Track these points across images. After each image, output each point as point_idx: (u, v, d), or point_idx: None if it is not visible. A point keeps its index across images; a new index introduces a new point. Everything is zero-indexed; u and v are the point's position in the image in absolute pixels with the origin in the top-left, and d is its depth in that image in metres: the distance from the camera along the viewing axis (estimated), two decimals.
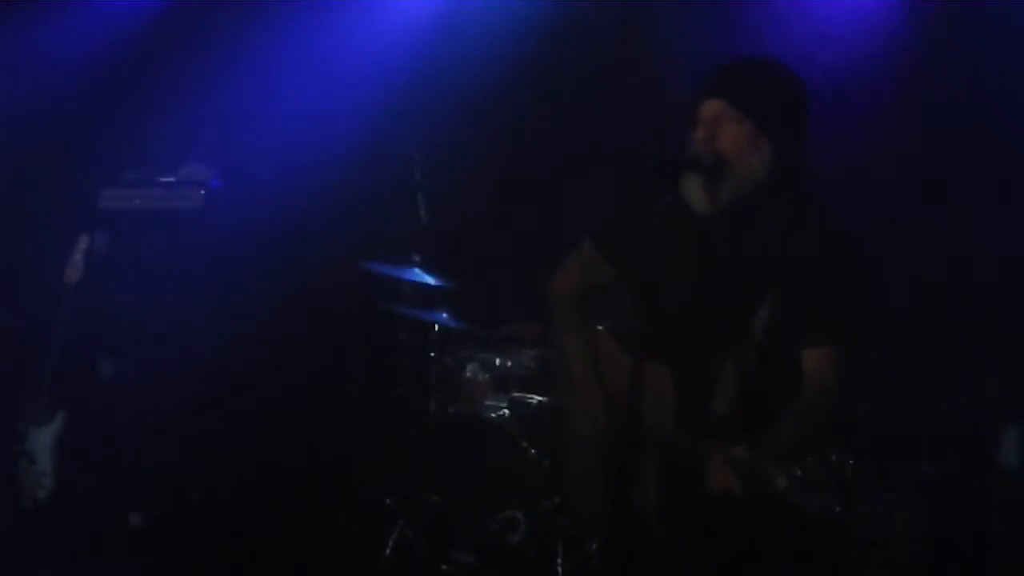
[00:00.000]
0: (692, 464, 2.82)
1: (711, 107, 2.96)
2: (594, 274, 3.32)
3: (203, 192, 5.68)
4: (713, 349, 2.99)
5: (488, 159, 6.10)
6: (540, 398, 5.09)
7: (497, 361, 5.25)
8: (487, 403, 5.16)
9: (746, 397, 2.92)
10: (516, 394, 5.13)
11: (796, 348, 2.90)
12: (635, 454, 2.84)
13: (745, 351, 2.92)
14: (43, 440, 5.08)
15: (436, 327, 5.40)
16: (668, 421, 2.97)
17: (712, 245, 3.02)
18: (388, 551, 4.97)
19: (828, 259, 2.92)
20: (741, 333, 2.93)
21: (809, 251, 2.92)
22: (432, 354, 5.41)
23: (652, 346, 3.01)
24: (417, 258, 5.48)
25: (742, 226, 2.97)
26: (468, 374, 5.36)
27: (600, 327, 3.42)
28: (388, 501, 5.20)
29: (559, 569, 4.68)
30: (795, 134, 3.01)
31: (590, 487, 3.24)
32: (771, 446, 2.57)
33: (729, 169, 2.93)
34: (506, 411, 5.03)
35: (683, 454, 2.87)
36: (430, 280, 5.43)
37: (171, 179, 5.77)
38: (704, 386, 2.98)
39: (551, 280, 3.46)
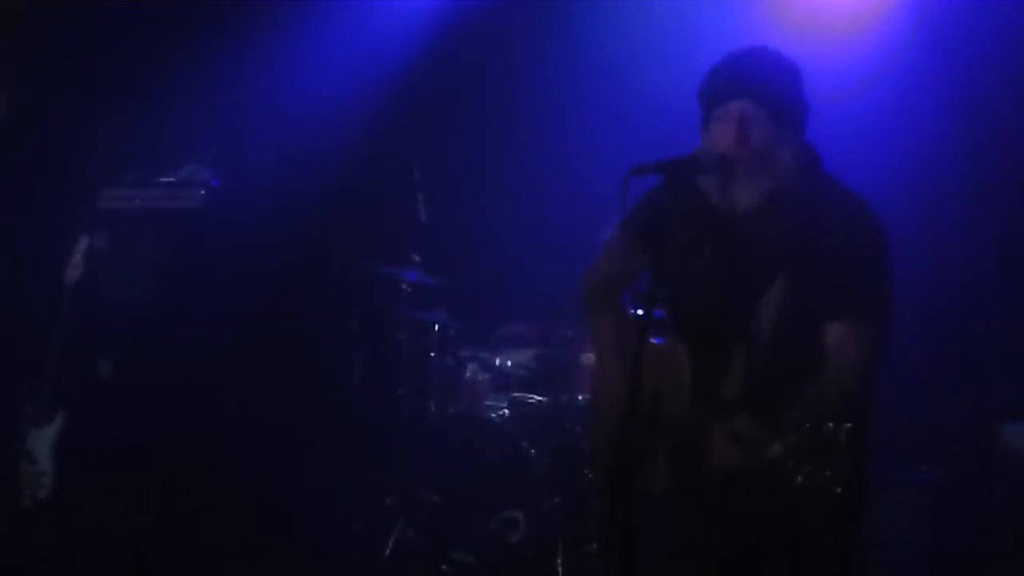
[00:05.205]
0: (701, 445, 2.83)
1: (736, 107, 2.96)
2: (626, 260, 3.31)
3: (203, 192, 5.67)
4: (729, 331, 2.99)
5: (488, 158, 6.10)
6: (540, 398, 5.09)
7: (497, 361, 5.26)
8: (487, 403, 5.16)
9: (755, 378, 2.92)
10: (516, 394, 5.14)
11: (812, 326, 2.90)
12: (646, 437, 2.86)
13: (756, 332, 2.93)
14: (43, 440, 5.08)
15: (436, 327, 5.40)
16: (683, 403, 2.98)
17: (734, 241, 3.02)
18: (388, 551, 4.97)
19: (847, 233, 2.92)
20: (753, 315, 2.94)
21: (828, 227, 2.92)
22: (432, 354, 5.41)
23: (667, 329, 3.03)
24: (417, 258, 5.48)
25: (764, 220, 2.98)
26: (468, 374, 5.36)
27: (631, 313, 3.44)
28: (388, 501, 5.20)
29: (559, 569, 4.69)
30: (807, 120, 3.04)
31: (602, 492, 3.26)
32: (787, 422, 2.57)
33: (758, 169, 2.94)
34: (506, 411, 5.03)
35: (694, 435, 2.88)
36: (430, 280, 5.44)
37: (171, 179, 5.76)
38: (718, 368, 2.99)
39: (586, 272, 3.46)
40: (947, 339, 5.12)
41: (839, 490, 2.46)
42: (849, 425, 2.47)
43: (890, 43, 5.24)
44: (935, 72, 5.14)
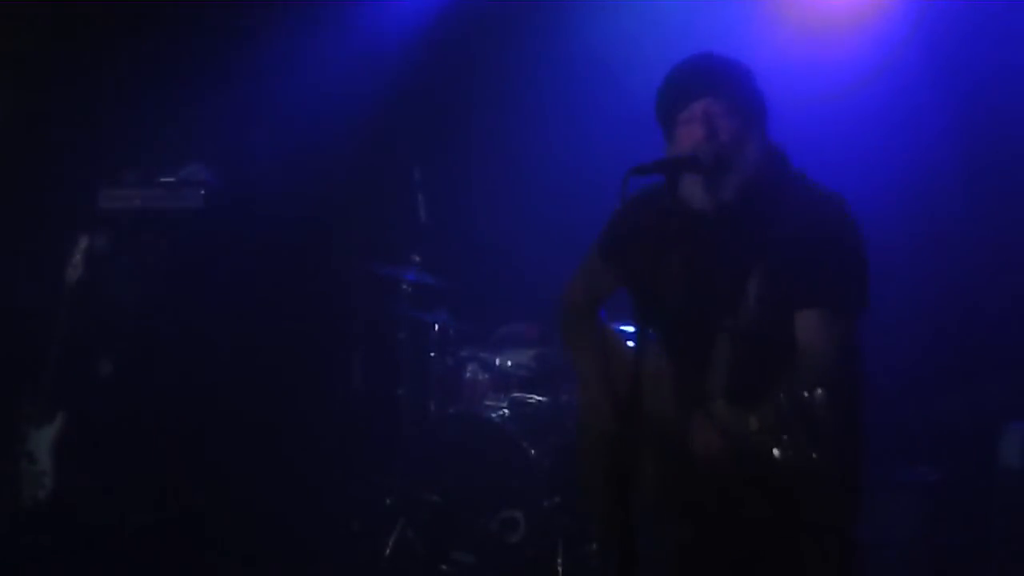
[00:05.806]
0: (685, 447, 2.83)
1: (702, 105, 2.99)
2: (601, 282, 3.34)
3: (203, 192, 5.68)
4: (707, 332, 3.00)
5: (488, 159, 6.10)
6: (540, 398, 5.09)
7: (497, 361, 5.25)
8: (487, 403, 5.16)
9: (736, 375, 2.92)
10: (516, 394, 5.13)
11: (788, 318, 2.90)
12: (637, 449, 2.86)
13: (735, 329, 2.94)
14: (43, 440, 5.08)
15: (436, 327, 5.40)
16: (667, 408, 2.99)
17: (710, 238, 3.03)
18: (388, 551, 4.97)
19: (816, 224, 2.93)
20: (731, 311, 2.94)
21: (796, 219, 2.94)
22: (432, 354, 5.41)
23: (652, 341, 3.02)
24: (417, 258, 5.48)
25: (738, 215, 2.99)
26: (468, 374, 5.36)
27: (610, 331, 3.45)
28: (388, 501, 5.21)
29: (559, 569, 4.69)
30: (767, 117, 3.06)
31: (601, 493, 3.25)
32: (763, 404, 2.57)
33: (729, 164, 2.95)
34: (506, 411, 5.03)
35: (678, 438, 2.88)
36: (430, 280, 5.44)
37: (171, 179, 5.77)
38: (699, 369, 2.99)
39: (562, 294, 3.47)
40: (946, 339, 5.12)
41: (815, 455, 2.44)
42: (821, 391, 2.46)
43: (889, 40, 5.24)
44: (934, 70, 5.14)
